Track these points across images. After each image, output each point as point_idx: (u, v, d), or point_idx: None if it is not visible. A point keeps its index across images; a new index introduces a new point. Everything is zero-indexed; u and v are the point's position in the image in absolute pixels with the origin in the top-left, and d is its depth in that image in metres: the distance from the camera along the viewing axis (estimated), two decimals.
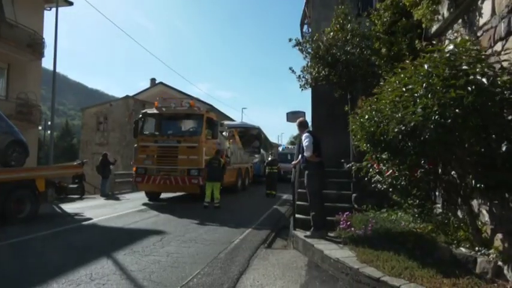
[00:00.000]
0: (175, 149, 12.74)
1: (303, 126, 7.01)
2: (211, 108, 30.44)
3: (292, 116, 11.16)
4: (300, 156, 7.34)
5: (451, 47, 4.33)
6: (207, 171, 11.88)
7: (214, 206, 11.49)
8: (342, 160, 9.90)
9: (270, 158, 16.00)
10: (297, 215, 7.53)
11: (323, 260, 5.53)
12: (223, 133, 18.14)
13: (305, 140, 6.58)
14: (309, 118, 13.51)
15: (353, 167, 6.45)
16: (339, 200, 8.06)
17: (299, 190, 8.48)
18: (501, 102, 4.01)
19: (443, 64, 4.17)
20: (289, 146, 30.21)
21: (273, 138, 48.42)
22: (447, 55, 4.22)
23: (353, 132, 5.64)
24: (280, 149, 29.50)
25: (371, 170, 5.83)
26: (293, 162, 7.72)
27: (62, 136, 61.60)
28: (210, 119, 13.71)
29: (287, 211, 11.52)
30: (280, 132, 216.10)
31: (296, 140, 10.76)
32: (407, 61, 4.73)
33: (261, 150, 23.63)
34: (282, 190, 16.52)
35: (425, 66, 4.31)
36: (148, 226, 8.68)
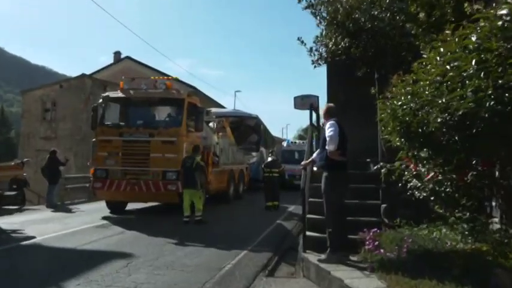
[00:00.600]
0: (147, 144, 12.77)
1: (329, 113, 7.02)
2: (194, 91, 30.41)
3: (301, 102, 11.16)
4: (315, 154, 7.31)
5: (505, 11, 4.29)
6: (182, 174, 11.91)
7: (195, 220, 11.50)
8: (368, 160, 9.90)
9: (269, 159, 16.05)
10: (307, 233, 7.52)
11: None
12: (210, 124, 18.10)
13: (329, 129, 6.55)
14: (322, 104, 13.50)
15: (382, 169, 6.44)
16: (363, 212, 8.06)
17: (311, 199, 8.46)
18: None
19: (495, 36, 4.14)
20: (297, 141, 30.00)
21: (275, 132, 48.29)
22: (499, 23, 4.19)
23: (382, 122, 5.62)
24: (284, 144, 29.20)
25: (406, 172, 5.82)
26: (303, 163, 7.71)
27: None
28: (192, 105, 13.70)
29: (295, 227, 11.55)
30: (284, 123, 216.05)
31: (307, 134, 10.67)
32: (448, 31, 4.70)
33: (260, 146, 23.66)
34: (286, 200, 16.54)
35: (473, 39, 4.28)
36: (111, 247, 8.66)
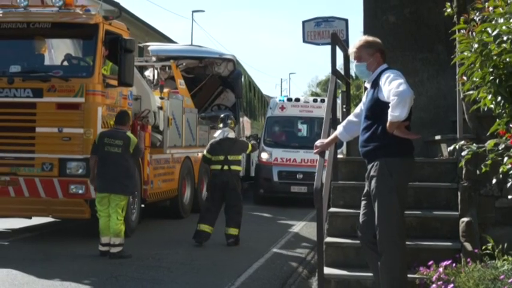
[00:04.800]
0: (29, 110, 12.77)
1: (375, 47, 7.03)
2: (117, 10, 29.87)
3: (316, 30, 11.18)
4: (340, 126, 7.45)
5: None
6: (97, 166, 11.79)
7: (111, 254, 11.38)
8: (437, 137, 9.93)
9: (218, 134, 14.26)
10: (327, 270, 7.61)
11: None
12: (148, 72, 17.93)
13: (395, 81, 6.50)
14: (355, 34, 13.44)
15: (463, 152, 6.45)
16: (428, 232, 8.21)
17: (334, 210, 8.44)
18: None
19: None
20: (302, 98, 25.91)
21: (268, 88, 48.10)
22: None
23: (463, 67, 5.62)
24: (273, 104, 24.83)
25: (506, 159, 5.83)
26: (318, 143, 7.66)
27: None
28: (113, 36, 13.53)
29: (303, 262, 11.70)
30: (285, 72, 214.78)
31: (326, 91, 10.35)
32: None
33: (240, 114, 23.54)
34: (285, 213, 16.41)
35: None
36: None
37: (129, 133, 11.96)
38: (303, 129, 24.38)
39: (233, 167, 13.49)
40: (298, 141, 23.00)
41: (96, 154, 11.72)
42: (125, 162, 11.62)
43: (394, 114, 6.32)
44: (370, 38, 7.19)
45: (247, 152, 14.42)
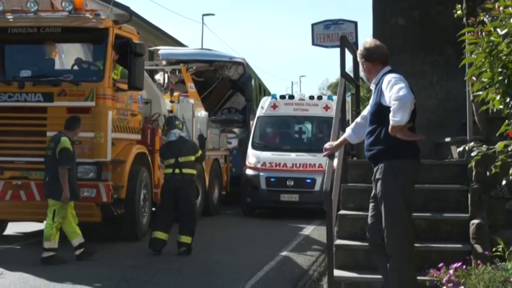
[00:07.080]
0: (41, 114, 12.81)
1: (380, 55, 7.07)
2: (127, 14, 29.81)
3: (325, 33, 11.17)
4: (349, 128, 7.47)
5: None
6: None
7: (41, 258, 11.17)
8: (447, 139, 9.91)
9: (171, 136, 13.28)
10: (337, 272, 7.60)
11: None
12: (158, 76, 17.87)
13: (397, 86, 6.56)
14: (364, 37, 13.40)
15: (473, 153, 6.45)
16: (438, 234, 8.19)
17: (343, 212, 8.44)
18: None
19: None
20: (297, 95, 23.73)
21: (277, 91, 48.08)
22: None
23: (472, 68, 5.61)
24: (265, 104, 21.80)
25: None
26: (327, 145, 7.68)
27: None
28: (123, 40, 13.54)
29: (314, 264, 11.76)
30: (296, 75, 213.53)
31: (337, 93, 9.88)
32: None
33: (250, 117, 23.46)
34: (294, 218, 16.32)
35: None
36: None
37: (64, 137, 11.44)
38: (297, 129, 21.76)
39: (185, 171, 12.71)
40: (291, 143, 20.84)
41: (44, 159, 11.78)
42: (54, 166, 11.35)
43: (395, 119, 6.40)
44: (368, 45, 7.20)
45: (197, 155, 13.14)
